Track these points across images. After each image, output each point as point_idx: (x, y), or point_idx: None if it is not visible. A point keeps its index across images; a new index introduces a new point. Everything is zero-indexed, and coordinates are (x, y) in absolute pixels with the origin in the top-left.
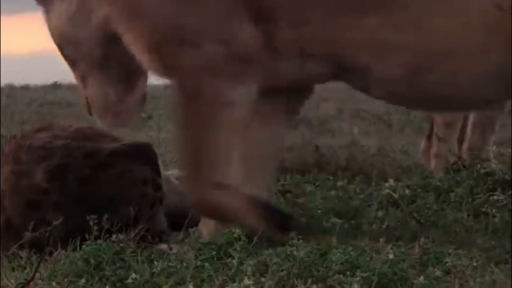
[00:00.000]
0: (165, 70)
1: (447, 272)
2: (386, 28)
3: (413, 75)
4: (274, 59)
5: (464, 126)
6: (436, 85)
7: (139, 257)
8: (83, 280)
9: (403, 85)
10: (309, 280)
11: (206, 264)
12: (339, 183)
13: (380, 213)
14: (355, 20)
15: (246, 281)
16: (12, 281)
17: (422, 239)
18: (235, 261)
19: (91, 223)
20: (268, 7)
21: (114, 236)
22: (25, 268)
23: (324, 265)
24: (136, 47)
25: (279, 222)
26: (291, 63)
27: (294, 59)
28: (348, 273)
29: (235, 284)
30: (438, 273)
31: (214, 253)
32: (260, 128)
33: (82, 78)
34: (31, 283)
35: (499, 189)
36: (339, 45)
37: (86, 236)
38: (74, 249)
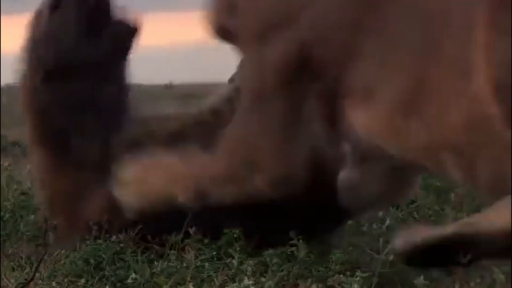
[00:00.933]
0: None
1: (447, 272)
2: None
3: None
4: None
5: None
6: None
7: (139, 257)
8: (83, 280)
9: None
10: (309, 280)
11: (206, 264)
12: None
13: (380, 213)
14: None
15: (246, 281)
16: (12, 281)
17: None
18: (235, 261)
19: (90, 223)
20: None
21: (114, 236)
22: (25, 268)
23: (324, 265)
24: None
25: None
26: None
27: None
28: (348, 273)
29: (235, 284)
30: (438, 273)
31: (214, 253)
32: None
33: None
34: (31, 283)
35: None
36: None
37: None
38: (74, 249)
